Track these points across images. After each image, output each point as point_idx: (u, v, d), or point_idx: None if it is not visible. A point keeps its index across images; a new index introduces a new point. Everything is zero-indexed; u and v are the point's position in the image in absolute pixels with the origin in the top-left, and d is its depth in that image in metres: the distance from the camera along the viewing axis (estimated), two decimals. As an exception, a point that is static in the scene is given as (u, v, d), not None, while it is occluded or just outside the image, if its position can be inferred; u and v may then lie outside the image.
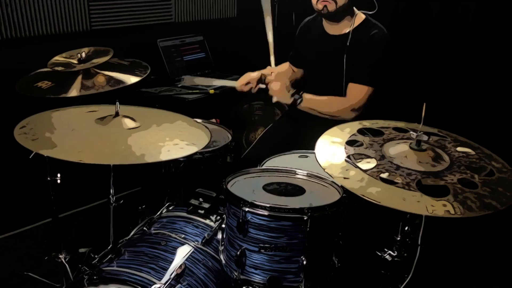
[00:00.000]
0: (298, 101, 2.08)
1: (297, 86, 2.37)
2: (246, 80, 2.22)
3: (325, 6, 2.06)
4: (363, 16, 2.15)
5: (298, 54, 2.43)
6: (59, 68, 1.92)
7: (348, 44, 2.10)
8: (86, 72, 1.93)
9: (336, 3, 2.05)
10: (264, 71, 2.22)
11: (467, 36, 2.79)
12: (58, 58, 2.00)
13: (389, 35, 2.11)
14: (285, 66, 2.48)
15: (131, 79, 1.94)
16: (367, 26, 2.12)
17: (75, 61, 1.96)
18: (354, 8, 2.15)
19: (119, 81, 1.91)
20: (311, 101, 2.11)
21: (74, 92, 1.84)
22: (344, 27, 2.15)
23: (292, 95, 2.08)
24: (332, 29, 2.19)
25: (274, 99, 2.07)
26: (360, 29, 2.12)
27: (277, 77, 2.08)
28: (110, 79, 1.92)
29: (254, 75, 2.22)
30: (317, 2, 2.08)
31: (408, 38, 2.96)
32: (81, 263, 1.52)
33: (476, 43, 2.77)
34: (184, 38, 3.14)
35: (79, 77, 1.90)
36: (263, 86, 2.20)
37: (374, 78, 2.09)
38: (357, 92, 2.10)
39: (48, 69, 1.95)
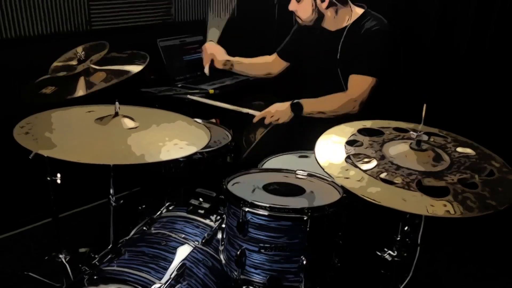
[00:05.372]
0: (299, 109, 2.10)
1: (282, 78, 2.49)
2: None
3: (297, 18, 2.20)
4: (360, 11, 2.15)
5: (291, 48, 2.42)
6: (62, 74, 1.91)
7: (343, 38, 2.11)
8: (88, 70, 1.92)
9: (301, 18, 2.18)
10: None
11: (466, 35, 2.79)
12: (57, 64, 1.99)
13: (389, 26, 2.10)
14: (270, 58, 2.51)
15: (133, 69, 1.93)
16: (364, 19, 2.12)
17: (74, 62, 1.96)
18: (351, 3, 2.15)
19: (123, 72, 1.90)
20: (312, 105, 2.12)
21: (80, 92, 1.83)
22: (342, 22, 2.16)
23: (291, 106, 2.10)
24: (330, 25, 2.20)
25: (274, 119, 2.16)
26: (357, 23, 2.12)
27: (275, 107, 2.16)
28: (113, 72, 1.92)
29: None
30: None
31: (407, 37, 2.95)
32: (81, 263, 1.52)
33: (476, 42, 2.76)
34: (184, 38, 3.13)
35: (82, 76, 1.90)
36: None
37: (372, 67, 2.05)
38: (357, 83, 2.07)
39: (50, 76, 1.95)
